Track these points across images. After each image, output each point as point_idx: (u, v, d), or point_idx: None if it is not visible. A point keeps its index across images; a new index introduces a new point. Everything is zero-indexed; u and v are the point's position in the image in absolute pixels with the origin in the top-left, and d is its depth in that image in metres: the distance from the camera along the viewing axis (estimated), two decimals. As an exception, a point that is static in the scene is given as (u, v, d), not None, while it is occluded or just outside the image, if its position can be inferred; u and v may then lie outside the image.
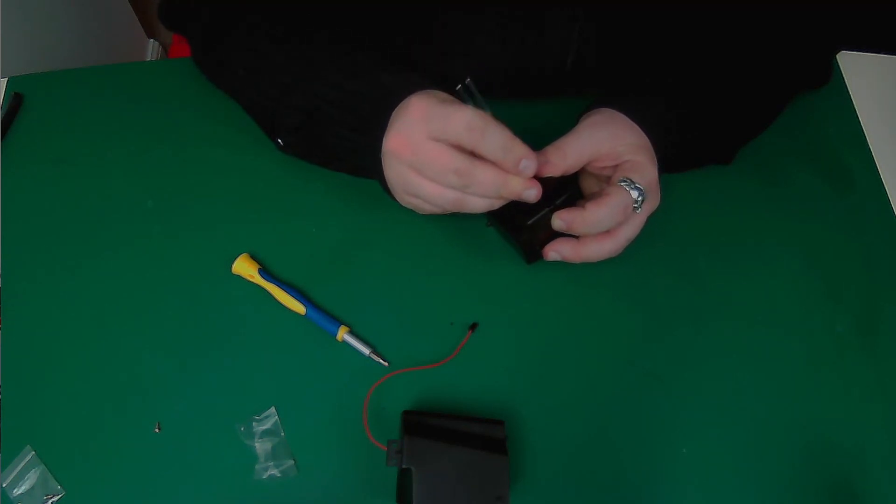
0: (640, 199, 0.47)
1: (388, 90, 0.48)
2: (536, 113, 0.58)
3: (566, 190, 0.50)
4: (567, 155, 0.47)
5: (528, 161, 0.43)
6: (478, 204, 0.46)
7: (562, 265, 0.56)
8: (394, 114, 0.47)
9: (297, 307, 0.53)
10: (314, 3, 0.55)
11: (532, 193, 0.44)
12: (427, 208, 0.48)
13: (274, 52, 0.53)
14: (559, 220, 0.47)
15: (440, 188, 0.45)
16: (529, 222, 0.49)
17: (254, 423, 0.51)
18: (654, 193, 0.49)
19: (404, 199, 0.49)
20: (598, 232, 0.48)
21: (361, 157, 0.50)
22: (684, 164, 0.58)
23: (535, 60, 0.57)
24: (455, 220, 0.58)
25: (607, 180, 0.50)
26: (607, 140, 0.49)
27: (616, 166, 0.49)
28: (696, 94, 0.54)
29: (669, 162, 0.56)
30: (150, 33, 1.50)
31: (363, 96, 0.49)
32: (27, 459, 0.49)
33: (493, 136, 0.42)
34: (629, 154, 0.49)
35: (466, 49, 0.56)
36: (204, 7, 0.56)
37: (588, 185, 0.54)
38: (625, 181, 0.47)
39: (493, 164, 0.43)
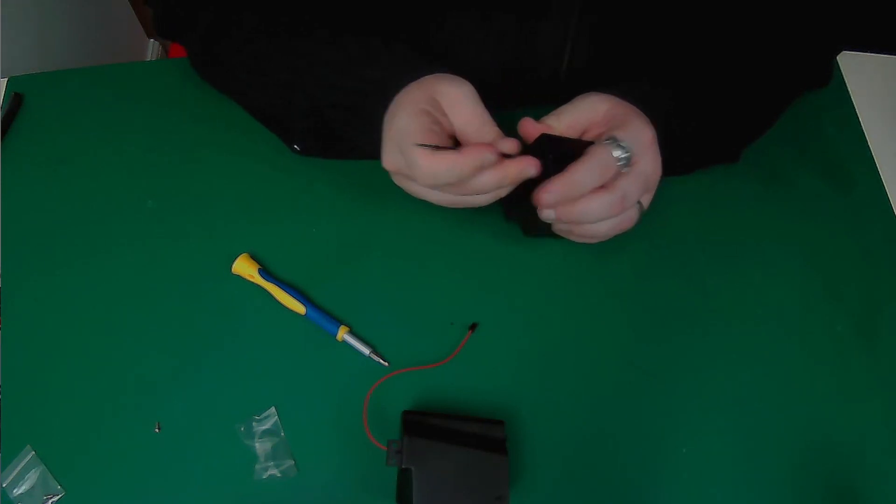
0: (624, 156, 0.45)
1: (376, 86, 0.48)
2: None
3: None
4: (561, 117, 0.49)
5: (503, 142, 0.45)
6: (481, 200, 0.47)
7: (562, 265, 0.56)
8: (386, 117, 0.48)
9: (297, 307, 0.53)
10: (311, 5, 0.55)
11: (531, 170, 0.45)
12: (434, 199, 0.49)
13: (272, 53, 0.53)
14: (545, 194, 0.44)
15: (441, 195, 0.47)
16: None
17: (254, 423, 0.51)
18: (647, 154, 0.47)
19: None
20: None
21: (367, 148, 0.51)
22: (690, 160, 0.58)
23: (529, 65, 0.57)
24: (455, 220, 0.58)
25: None
26: (604, 103, 0.49)
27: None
28: (696, 86, 0.54)
29: (674, 160, 0.56)
30: (150, 33, 1.50)
31: (355, 94, 0.49)
32: (27, 459, 0.49)
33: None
34: (622, 116, 0.48)
35: (461, 52, 0.56)
36: (201, 12, 0.56)
37: None
38: (609, 139, 0.46)
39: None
